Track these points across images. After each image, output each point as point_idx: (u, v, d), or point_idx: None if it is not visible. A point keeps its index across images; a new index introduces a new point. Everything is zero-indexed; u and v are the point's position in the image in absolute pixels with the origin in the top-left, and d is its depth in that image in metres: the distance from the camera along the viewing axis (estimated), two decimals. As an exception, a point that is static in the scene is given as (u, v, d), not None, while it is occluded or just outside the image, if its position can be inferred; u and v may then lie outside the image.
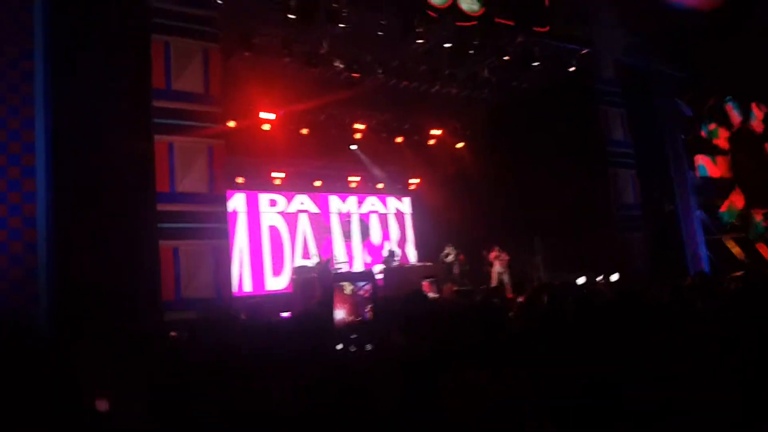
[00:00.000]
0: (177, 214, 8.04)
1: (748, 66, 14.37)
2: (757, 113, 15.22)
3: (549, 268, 12.86)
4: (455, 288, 12.09)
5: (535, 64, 12.41)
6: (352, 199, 15.95)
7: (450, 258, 13.56)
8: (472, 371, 2.38)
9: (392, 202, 16.73)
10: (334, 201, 15.59)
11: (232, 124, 11.99)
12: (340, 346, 1.95)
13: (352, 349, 1.90)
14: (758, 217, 14.37)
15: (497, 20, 11.13)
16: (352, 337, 1.86)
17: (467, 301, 7.42)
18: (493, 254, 13.06)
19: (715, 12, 13.83)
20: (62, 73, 7.29)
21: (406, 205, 16.97)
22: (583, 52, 12.54)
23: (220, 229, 8.49)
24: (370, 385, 1.88)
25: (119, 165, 7.61)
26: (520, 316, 5.76)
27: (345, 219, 15.26)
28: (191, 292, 7.74)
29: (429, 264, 13.48)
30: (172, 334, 4.81)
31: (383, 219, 16.46)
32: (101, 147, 7.54)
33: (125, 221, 7.44)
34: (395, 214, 16.72)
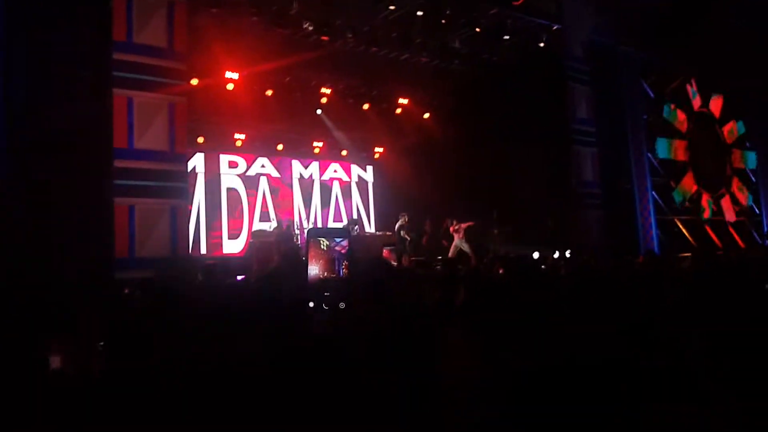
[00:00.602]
0: (135, 172, 7.85)
1: (711, 51, 14.74)
2: (716, 98, 15.61)
3: (507, 241, 13.06)
4: (413, 258, 12.17)
5: (506, 37, 12.45)
6: (315, 165, 15.78)
7: (403, 233, 13.38)
8: (438, 338, 2.40)
9: (355, 170, 16.63)
10: (296, 166, 15.39)
11: (195, 81, 11.66)
12: (312, 304, 1.95)
13: (325, 307, 1.90)
14: (707, 202, 14.87)
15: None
16: (325, 294, 1.86)
17: (428, 270, 7.52)
18: (452, 228, 13.12)
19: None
20: (18, 20, 6.94)
21: (369, 173, 16.90)
22: (554, 28, 12.58)
23: (179, 188, 8.32)
24: (338, 345, 1.89)
25: (75, 118, 7.33)
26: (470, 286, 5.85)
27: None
28: (146, 252, 7.59)
29: (389, 233, 13.52)
30: (125, 291, 4.72)
31: (346, 186, 16.38)
32: (57, 98, 7.25)
33: (80, 176, 7.20)
34: (357, 182, 16.65)
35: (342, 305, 1.90)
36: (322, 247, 2.00)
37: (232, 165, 14.16)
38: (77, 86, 7.49)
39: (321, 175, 15.86)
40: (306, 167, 15.58)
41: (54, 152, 7.06)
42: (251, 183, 14.37)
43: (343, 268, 1.96)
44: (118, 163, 7.68)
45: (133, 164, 7.84)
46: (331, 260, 1.98)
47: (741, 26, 15.71)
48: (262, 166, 14.65)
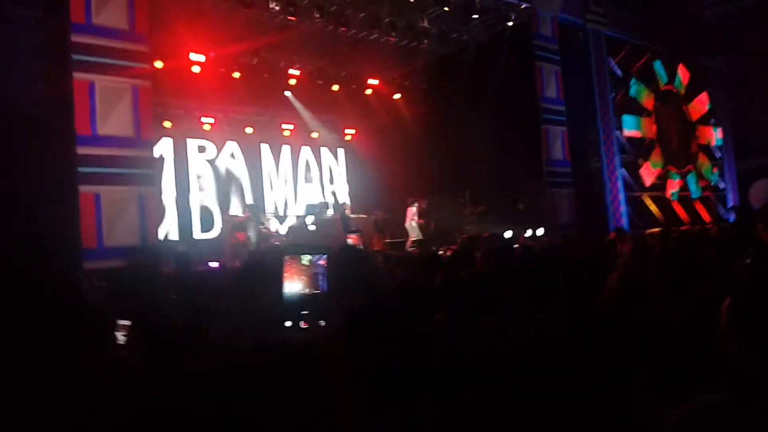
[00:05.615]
0: (99, 159, 7.60)
1: (677, 28, 14.93)
2: (682, 75, 15.82)
3: (479, 221, 13.13)
4: (386, 240, 12.16)
5: (475, 16, 12.43)
6: (285, 149, 15.57)
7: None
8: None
9: (326, 152, 16.47)
10: (265, 149, 15.16)
11: (159, 64, 11.37)
12: (289, 323, 1.81)
13: (303, 326, 1.77)
14: (674, 178, 15.14)
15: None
16: (303, 312, 1.71)
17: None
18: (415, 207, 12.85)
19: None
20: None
21: (340, 156, 16.77)
22: (523, 6, 12.57)
23: (146, 175, 8.11)
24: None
25: (33, 104, 7.08)
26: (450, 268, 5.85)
27: None
28: (115, 241, 7.39)
29: (363, 216, 13.47)
30: (93, 282, 4.60)
31: (316, 169, 16.23)
32: (12, 83, 6.98)
33: (40, 163, 6.98)
34: (329, 165, 16.51)
35: (322, 323, 1.79)
36: (303, 262, 1.88)
37: (201, 150, 13.89)
38: (34, 70, 7.23)
39: (292, 159, 15.67)
40: (276, 151, 15.36)
41: (14, 141, 6.83)
42: (221, 167, 14.13)
43: (326, 283, 1.85)
44: (82, 150, 7.44)
45: (98, 151, 7.59)
46: (313, 275, 1.86)
47: (707, 4, 15.94)
48: (232, 153, 14.38)
